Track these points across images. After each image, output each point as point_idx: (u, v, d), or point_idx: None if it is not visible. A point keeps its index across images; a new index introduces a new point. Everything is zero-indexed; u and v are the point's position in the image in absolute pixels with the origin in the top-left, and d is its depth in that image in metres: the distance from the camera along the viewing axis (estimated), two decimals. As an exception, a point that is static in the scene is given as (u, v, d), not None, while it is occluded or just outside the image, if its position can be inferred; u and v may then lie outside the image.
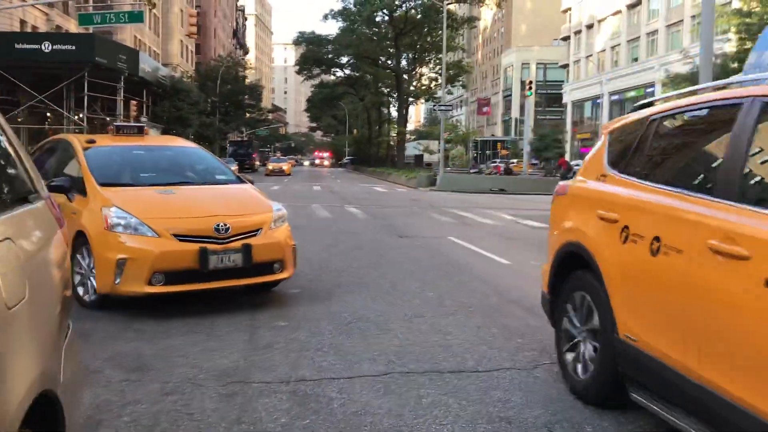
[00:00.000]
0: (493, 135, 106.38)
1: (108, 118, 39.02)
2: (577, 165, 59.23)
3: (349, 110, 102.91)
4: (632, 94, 70.10)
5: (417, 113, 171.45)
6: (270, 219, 6.89)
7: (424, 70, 70.05)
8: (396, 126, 65.27)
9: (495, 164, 48.03)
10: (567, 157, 75.99)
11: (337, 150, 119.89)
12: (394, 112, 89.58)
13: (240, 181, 7.88)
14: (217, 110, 67.63)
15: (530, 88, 39.27)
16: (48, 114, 40.15)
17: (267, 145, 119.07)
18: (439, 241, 12.32)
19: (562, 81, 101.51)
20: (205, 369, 4.79)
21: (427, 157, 68.13)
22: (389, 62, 62.72)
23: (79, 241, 6.54)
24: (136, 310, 6.36)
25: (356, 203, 22.21)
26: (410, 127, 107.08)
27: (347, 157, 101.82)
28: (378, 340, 5.60)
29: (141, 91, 40.36)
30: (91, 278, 6.42)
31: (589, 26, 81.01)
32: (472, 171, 34.44)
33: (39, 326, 2.15)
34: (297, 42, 64.95)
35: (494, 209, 20.55)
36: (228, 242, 6.37)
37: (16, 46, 32.24)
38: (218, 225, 6.34)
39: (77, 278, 6.63)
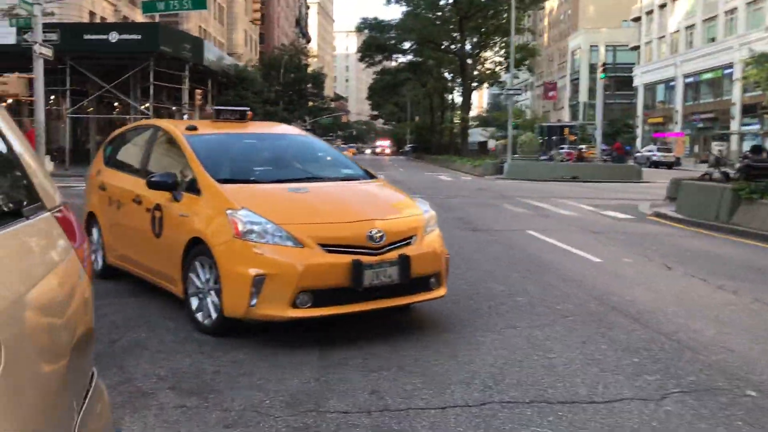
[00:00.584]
0: (559, 120, 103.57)
1: (173, 108, 39.33)
2: (651, 151, 57.00)
3: (410, 97, 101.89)
4: (708, 75, 66.86)
5: (480, 99, 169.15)
6: (423, 223, 5.80)
7: (488, 54, 68.45)
8: (459, 112, 63.96)
9: (566, 150, 46.18)
10: (638, 143, 73.30)
11: (399, 138, 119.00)
12: (456, 98, 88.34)
13: (370, 175, 6.67)
14: (281, 99, 67.80)
15: (604, 70, 37.60)
16: (116, 104, 40.72)
17: (329, 133, 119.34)
18: (517, 234, 11.45)
19: (632, 63, 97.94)
20: (273, 392, 4.13)
21: (490, 144, 66.69)
22: (452, 47, 61.41)
23: (195, 250, 5.44)
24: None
25: (421, 193, 21.30)
26: (472, 113, 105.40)
27: (408, 145, 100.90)
28: (468, 358, 4.85)
29: (205, 80, 40.48)
30: (212, 297, 5.31)
31: (662, 6, 77.67)
32: (542, 158, 33.05)
33: (28, 401, 1.44)
34: (359, 28, 64.25)
35: (570, 199, 19.44)
36: (383, 252, 5.20)
37: (85, 37, 32.62)
38: (372, 232, 5.19)
39: (194, 302, 5.52)
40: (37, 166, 2.07)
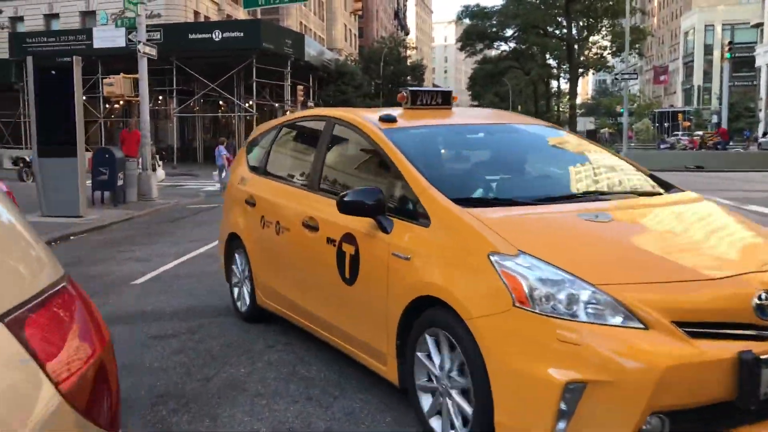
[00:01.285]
0: (672, 105, 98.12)
1: (276, 104, 39.47)
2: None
3: (512, 85, 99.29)
4: (843, 52, 61.04)
5: (584, 87, 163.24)
6: None
7: (596, 38, 65.37)
8: (567, 99, 61.39)
9: (688, 138, 43.00)
10: (761, 127, 68.07)
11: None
12: (562, 85, 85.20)
13: (666, 185, 4.45)
14: (381, 92, 67.40)
15: (729, 49, 34.58)
16: (220, 102, 41.35)
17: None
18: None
19: (752, 42, 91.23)
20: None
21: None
22: (557, 32, 58.97)
23: (426, 317, 3.40)
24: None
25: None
26: (578, 101, 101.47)
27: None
28: None
29: (306, 75, 40.42)
30: (458, 400, 3.23)
31: (790, -23, 71.74)
32: (662, 147, 30.74)
33: None
34: (461, 16, 62.85)
35: (704, 191, 17.54)
36: None
37: (190, 36, 33.11)
38: (762, 296, 2.94)
39: (425, 400, 3.47)
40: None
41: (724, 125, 38.13)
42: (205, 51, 33.63)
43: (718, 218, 3.94)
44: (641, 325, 2.80)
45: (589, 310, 2.84)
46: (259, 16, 45.88)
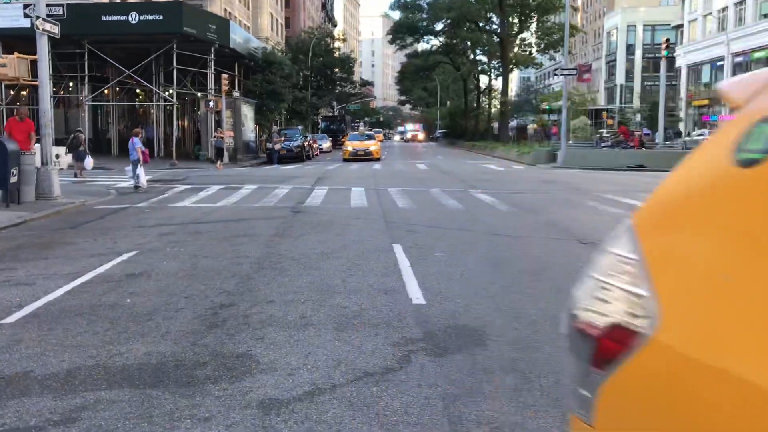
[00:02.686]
0: (595, 103, 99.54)
1: (198, 94, 36.97)
2: (701, 135, 53.49)
3: (440, 81, 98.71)
4: (761, 54, 62.96)
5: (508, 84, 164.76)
6: None
7: (525, 35, 65.25)
8: (499, 95, 60.91)
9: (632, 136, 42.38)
10: (683, 126, 69.59)
11: (428, 123, 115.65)
12: (491, 81, 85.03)
13: None
14: (309, 84, 65.27)
15: (667, 47, 34.32)
16: (138, 90, 38.50)
17: (356, 119, 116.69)
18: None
19: (673, 43, 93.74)
20: None
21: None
22: (488, 27, 58.37)
23: None
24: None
25: (480, 187, 18.74)
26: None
27: (439, 131, 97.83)
28: None
29: (231, 64, 38.06)
30: None
31: (708, -19, 73.56)
32: (603, 145, 30.15)
33: None
34: (393, 7, 61.38)
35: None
36: None
37: (103, 18, 30.37)
38: None
39: None
40: None
41: (662, 123, 37.97)
42: (121, 35, 30.99)
43: None
44: None
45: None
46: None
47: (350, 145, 37.42)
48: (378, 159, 36.40)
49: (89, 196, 16.26)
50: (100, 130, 37.49)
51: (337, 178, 22.40)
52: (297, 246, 9.16)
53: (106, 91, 35.32)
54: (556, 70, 30.42)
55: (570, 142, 33.93)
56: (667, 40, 35.29)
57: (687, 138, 56.85)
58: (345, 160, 36.18)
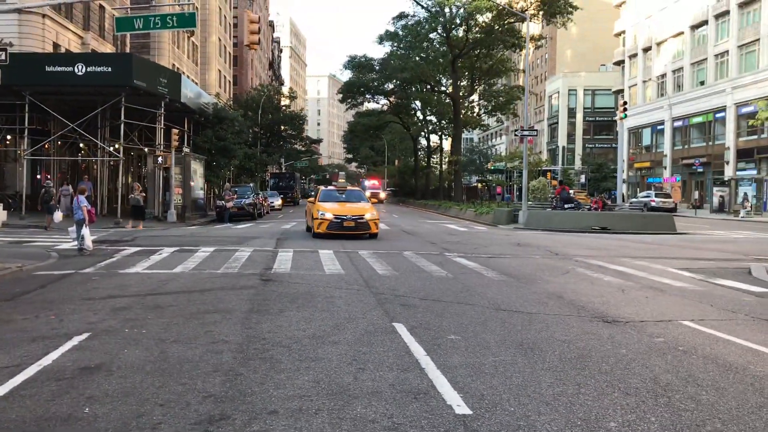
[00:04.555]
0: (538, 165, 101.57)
1: (146, 149, 35.36)
2: (647, 197, 54.30)
3: (387, 140, 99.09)
4: (699, 119, 65.08)
5: (449, 144, 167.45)
6: None
7: (474, 97, 66.09)
8: (450, 155, 60.98)
9: (594, 198, 42.45)
10: (624, 189, 71.18)
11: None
12: (438, 140, 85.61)
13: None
14: (259, 141, 64.19)
15: (624, 110, 34.59)
16: (81, 145, 36.60)
17: (303, 176, 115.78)
18: (679, 333, 7.76)
19: (612, 108, 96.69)
20: None
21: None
22: (442, 88, 58.77)
23: None
24: None
25: (454, 250, 17.76)
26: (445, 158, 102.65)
27: (387, 189, 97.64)
28: None
29: (181, 118, 36.65)
30: None
31: (646, 49, 76.45)
32: (567, 207, 29.77)
33: None
34: (346, 66, 61.32)
35: (638, 258, 15.94)
36: None
37: (47, 68, 28.69)
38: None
39: None
40: None
41: (620, 186, 38.07)
42: (66, 86, 29.30)
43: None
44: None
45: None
46: (129, 49, 41.84)
47: (329, 210, 21.15)
48: (375, 234, 21.23)
49: (27, 259, 14.54)
50: (39, 186, 35.26)
51: (299, 239, 21.06)
52: (281, 326, 7.84)
53: (46, 145, 33.33)
54: (523, 129, 30.07)
55: (530, 202, 33.54)
56: (624, 103, 35.67)
57: (633, 200, 57.79)
58: (317, 235, 21.03)
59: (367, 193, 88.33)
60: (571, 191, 35.20)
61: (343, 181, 31.85)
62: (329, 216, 20.72)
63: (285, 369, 5.93)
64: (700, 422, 4.63)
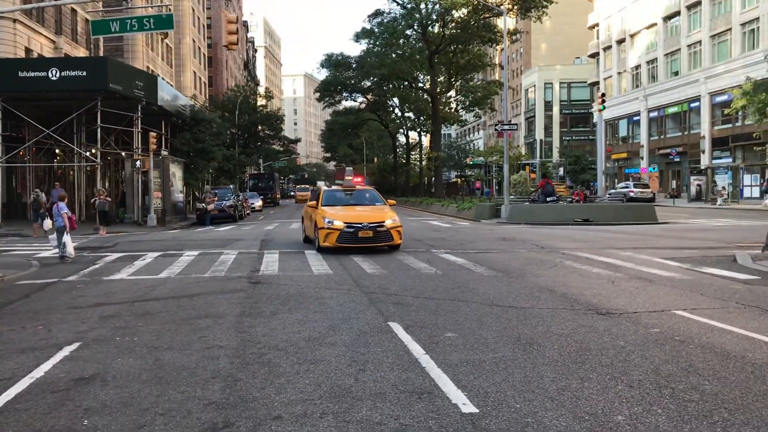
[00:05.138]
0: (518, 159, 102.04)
1: (123, 153, 34.96)
2: (626, 187, 54.66)
3: (366, 138, 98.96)
4: (674, 109, 65.73)
5: (428, 140, 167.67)
6: None
7: (452, 93, 66.20)
8: (429, 151, 61.04)
9: (576, 191, 42.59)
10: (602, 180, 71.66)
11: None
12: (416, 137, 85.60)
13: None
14: (236, 142, 63.79)
15: (602, 102, 34.81)
16: (57, 150, 36.08)
17: (281, 177, 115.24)
18: (674, 322, 7.79)
19: (588, 100, 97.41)
20: None
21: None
22: (420, 84, 58.77)
23: None
24: None
25: (441, 246, 17.76)
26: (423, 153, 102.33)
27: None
28: None
29: (158, 121, 36.26)
30: None
31: (620, 41, 77.07)
32: (549, 200, 29.87)
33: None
34: (323, 65, 61.06)
35: (624, 249, 16.04)
36: None
37: (20, 74, 28.29)
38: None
39: None
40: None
41: (600, 179, 38.34)
42: (40, 92, 28.88)
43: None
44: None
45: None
46: (102, 53, 41.34)
47: (338, 217, 16.45)
48: (398, 246, 16.76)
49: (7, 268, 14.29)
50: (15, 193, 34.72)
51: (284, 241, 20.92)
52: (275, 329, 7.76)
53: (21, 152, 32.81)
54: (503, 124, 30.15)
55: (512, 196, 33.65)
56: (603, 95, 35.87)
57: (612, 191, 58.25)
58: (324, 249, 16.32)
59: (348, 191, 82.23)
60: (556, 185, 35.43)
61: (350, 178, 25.32)
62: (339, 224, 15.82)
63: (284, 373, 5.85)
64: (707, 412, 4.63)
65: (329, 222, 16.03)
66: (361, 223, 15.94)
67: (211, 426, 4.57)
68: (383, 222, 16.08)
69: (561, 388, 5.23)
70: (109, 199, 28.96)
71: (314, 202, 18.31)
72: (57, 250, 16.55)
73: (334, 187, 20.62)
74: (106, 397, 5.30)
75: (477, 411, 4.72)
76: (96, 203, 27.31)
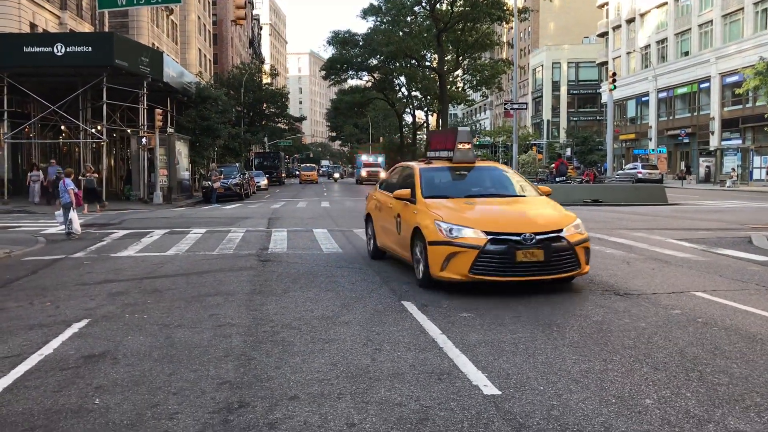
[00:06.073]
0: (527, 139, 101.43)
1: (129, 130, 34.76)
2: (634, 168, 54.21)
3: (372, 117, 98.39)
4: (683, 90, 65.08)
5: (434, 120, 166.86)
6: None
7: (459, 72, 65.61)
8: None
9: (587, 171, 42.20)
10: (609, 160, 71.21)
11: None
12: (424, 116, 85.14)
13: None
14: (242, 120, 63.45)
15: (613, 81, 34.39)
16: (63, 127, 35.89)
17: (287, 156, 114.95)
18: (695, 304, 7.62)
19: (596, 80, 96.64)
20: None
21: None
22: (427, 63, 58.26)
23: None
24: None
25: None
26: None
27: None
28: None
29: (164, 98, 35.97)
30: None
31: (630, 20, 76.22)
32: (557, 180, 29.64)
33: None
34: (330, 42, 60.57)
35: (636, 230, 15.84)
36: None
37: (25, 49, 28.01)
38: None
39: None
40: None
41: (610, 158, 38.01)
42: (45, 67, 28.62)
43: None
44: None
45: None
46: (107, 28, 41.02)
47: (467, 221, 8.43)
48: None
49: (14, 245, 14.18)
50: (21, 170, 34.59)
51: (291, 219, 20.80)
52: (287, 307, 7.62)
53: (27, 128, 32.63)
54: (513, 103, 29.83)
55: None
56: (614, 74, 35.46)
57: (620, 171, 57.85)
58: (437, 282, 8.44)
59: (363, 172, 63.17)
60: (569, 165, 35.12)
61: (468, 146, 13.57)
62: (474, 236, 8.22)
63: (299, 352, 5.71)
64: (738, 396, 4.47)
65: (450, 230, 8.33)
66: (520, 234, 8.11)
67: (226, 406, 4.44)
68: (559, 230, 8.41)
69: (584, 371, 5.08)
70: (96, 176, 28.52)
71: (402, 190, 9.85)
72: (63, 227, 16.42)
73: (433, 164, 10.60)
74: (117, 375, 5.18)
75: (499, 393, 4.58)
76: (84, 180, 26.61)
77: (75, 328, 6.79)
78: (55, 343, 6.20)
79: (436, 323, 6.63)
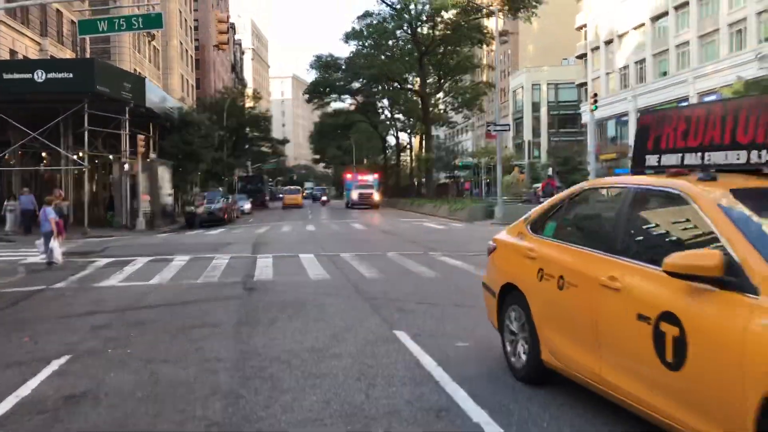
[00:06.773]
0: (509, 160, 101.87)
1: (111, 156, 34.40)
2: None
3: (355, 139, 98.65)
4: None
5: (417, 142, 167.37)
6: None
7: (440, 95, 66.03)
8: (423, 152, 60.74)
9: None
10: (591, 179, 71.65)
11: (339, 181, 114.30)
12: (405, 138, 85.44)
13: None
14: (224, 144, 63.27)
15: (595, 101, 34.63)
16: (43, 154, 35.46)
17: (270, 179, 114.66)
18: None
19: (575, 101, 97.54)
20: None
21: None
22: (409, 85, 58.54)
23: None
24: None
25: (438, 249, 17.43)
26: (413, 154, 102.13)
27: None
28: None
29: (146, 124, 35.71)
30: None
31: (608, 42, 77.12)
32: (542, 200, 29.61)
33: None
34: (313, 66, 60.74)
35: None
36: None
37: (5, 76, 27.70)
38: None
39: None
40: None
41: (592, 176, 38.18)
42: (26, 94, 28.29)
43: None
44: None
45: None
46: (89, 54, 40.78)
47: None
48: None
49: (-7, 276, 13.83)
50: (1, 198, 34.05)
51: (276, 244, 20.57)
52: (275, 339, 7.39)
53: (6, 156, 32.20)
54: (496, 125, 29.90)
55: (504, 197, 33.46)
56: (595, 94, 35.77)
57: (604, 191, 57.95)
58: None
59: (354, 195, 58.25)
60: (557, 184, 35.09)
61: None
62: None
63: (289, 389, 5.49)
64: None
65: None
66: None
67: (215, 451, 4.21)
68: None
69: (593, 404, 4.90)
70: (67, 202, 27.97)
71: (682, 256, 3.48)
72: (44, 256, 16.08)
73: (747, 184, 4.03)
74: (98, 418, 4.93)
75: (502, 431, 4.39)
76: (54, 208, 25.89)
77: (55, 365, 6.51)
78: (33, 382, 5.93)
79: (431, 354, 6.44)
